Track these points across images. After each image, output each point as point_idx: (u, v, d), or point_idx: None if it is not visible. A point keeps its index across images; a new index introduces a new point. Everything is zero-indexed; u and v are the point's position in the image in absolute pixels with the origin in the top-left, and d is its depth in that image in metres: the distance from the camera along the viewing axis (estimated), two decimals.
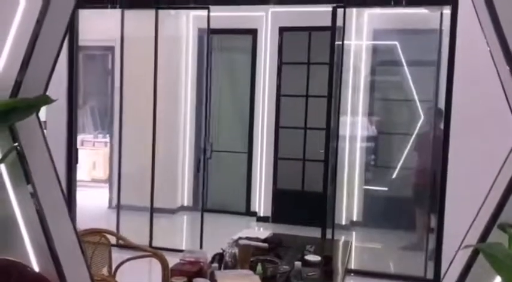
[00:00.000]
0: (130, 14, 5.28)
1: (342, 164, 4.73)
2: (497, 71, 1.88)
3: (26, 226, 2.10)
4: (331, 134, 4.61)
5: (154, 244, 5.20)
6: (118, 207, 5.41)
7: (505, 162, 1.91)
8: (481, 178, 2.27)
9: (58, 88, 5.27)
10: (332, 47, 4.46)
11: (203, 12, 5.10)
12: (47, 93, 2.34)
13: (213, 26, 5.74)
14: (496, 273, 1.45)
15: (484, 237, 1.76)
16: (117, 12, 5.25)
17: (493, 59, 1.90)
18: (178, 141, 5.60)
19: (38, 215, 2.08)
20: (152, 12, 5.12)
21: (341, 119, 4.76)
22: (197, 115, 6.77)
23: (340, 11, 4.66)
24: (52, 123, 5.38)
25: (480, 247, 1.51)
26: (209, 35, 5.08)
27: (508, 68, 1.63)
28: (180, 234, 5.19)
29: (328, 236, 4.68)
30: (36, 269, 2.08)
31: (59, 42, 2.29)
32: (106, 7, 5.24)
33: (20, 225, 2.10)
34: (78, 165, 5.47)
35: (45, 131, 5.38)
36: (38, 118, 2.26)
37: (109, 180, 6.12)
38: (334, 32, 4.52)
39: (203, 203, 5.27)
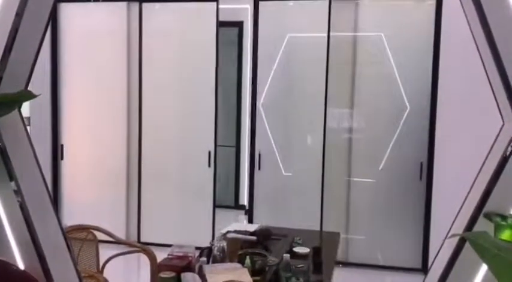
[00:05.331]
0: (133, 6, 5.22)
1: (329, 155, 4.75)
2: (481, 57, 1.89)
3: (9, 223, 2.07)
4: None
5: (142, 239, 5.18)
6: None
7: (489, 152, 1.92)
8: (469, 167, 2.28)
9: (42, 83, 5.22)
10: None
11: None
12: (30, 88, 2.30)
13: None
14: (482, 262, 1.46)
15: (470, 225, 1.77)
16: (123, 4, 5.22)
17: (476, 43, 1.91)
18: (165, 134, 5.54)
19: (22, 212, 2.05)
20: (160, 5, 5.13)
21: (329, 110, 4.77)
22: None
23: (325, 3, 4.68)
24: (36, 119, 5.32)
25: (466, 236, 1.51)
26: (218, 27, 4.97)
27: (490, 52, 1.63)
28: (168, 229, 5.16)
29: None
30: (21, 266, 2.05)
31: (40, 36, 2.24)
32: (89, 0, 5.19)
33: (3, 223, 2.07)
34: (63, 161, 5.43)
35: (29, 127, 5.33)
36: (20, 113, 2.22)
37: None
38: None
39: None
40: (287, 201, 4.98)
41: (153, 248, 3.12)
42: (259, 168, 4.98)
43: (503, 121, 1.85)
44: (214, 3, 4.95)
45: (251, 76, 5.04)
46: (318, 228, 4.72)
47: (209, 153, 5.05)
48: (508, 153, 1.71)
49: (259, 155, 4.97)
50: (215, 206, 5.09)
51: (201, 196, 5.11)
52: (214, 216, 5.08)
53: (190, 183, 5.16)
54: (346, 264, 4.75)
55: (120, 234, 3.33)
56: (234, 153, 6.86)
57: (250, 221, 5.01)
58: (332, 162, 4.80)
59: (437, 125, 4.47)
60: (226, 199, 6.84)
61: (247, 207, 5.41)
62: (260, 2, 4.96)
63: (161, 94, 5.18)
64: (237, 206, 6.78)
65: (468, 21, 1.90)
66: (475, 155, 2.23)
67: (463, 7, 1.89)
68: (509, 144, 1.71)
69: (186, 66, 5.11)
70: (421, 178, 4.61)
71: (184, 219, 5.17)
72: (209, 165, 5.06)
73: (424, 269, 4.56)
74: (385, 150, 4.72)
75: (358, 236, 4.81)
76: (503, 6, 1.61)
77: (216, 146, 5.07)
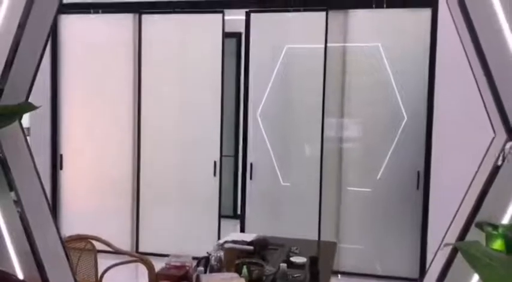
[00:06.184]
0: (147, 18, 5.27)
1: (326, 165, 4.78)
2: (472, 71, 1.92)
3: (9, 233, 2.09)
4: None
5: (141, 249, 5.18)
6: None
7: (481, 162, 1.95)
8: (465, 176, 2.30)
9: (42, 94, 5.26)
10: None
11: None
12: (30, 100, 2.34)
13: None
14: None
15: (463, 235, 1.80)
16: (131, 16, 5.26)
17: (467, 57, 1.94)
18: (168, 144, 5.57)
19: (21, 222, 2.07)
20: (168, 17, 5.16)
21: (327, 120, 4.80)
22: None
23: (322, 14, 4.74)
24: (36, 129, 5.35)
25: (458, 245, 1.54)
26: (224, 38, 5.07)
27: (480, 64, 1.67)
28: (170, 239, 5.17)
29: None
30: (21, 276, 2.07)
31: (41, 48, 2.28)
32: (89, 12, 5.23)
33: (3, 233, 2.09)
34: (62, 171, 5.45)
35: (29, 137, 5.36)
36: (21, 124, 2.25)
37: None
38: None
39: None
40: (285, 211, 4.99)
41: (152, 258, 3.14)
42: (250, 178, 5.01)
43: (494, 133, 1.89)
44: (220, 15, 5.00)
45: (243, 87, 5.10)
46: (316, 238, 4.73)
47: (214, 163, 5.07)
48: (499, 164, 1.74)
49: (251, 165, 5.00)
50: (220, 216, 5.12)
51: (206, 206, 5.13)
52: (220, 226, 5.10)
53: (195, 193, 5.18)
54: (343, 273, 4.75)
55: (119, 244, 3.34)
56: (232, 163, 6.88)
57: (242, 230, 5.02)
58: (330, 172, 4.83)
59: (434, 134, 4.50)
60: (224, 209, 6.84)
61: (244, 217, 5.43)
62: (258, 14, 5.02)
63: (165, 104, 5.22)
64: (236, 216, 6.78)
65: (459, 34, 1.94)
66: (472, 164, 2.25)
67: (454, 21, 1.94)
68: (499, 156, 1.74)
69: (191, 77, 5.16)
70: (418, 187, 4.64)
71: (188, 229, 5.18)
72: (214, 175, 5.08)
73: (422, 278, 4.57)
74: (382, 160, 4.75)
75: (356, 245, 4.82)
76: (492, 21, 1.65)
77: (221, 156, 5.09)
